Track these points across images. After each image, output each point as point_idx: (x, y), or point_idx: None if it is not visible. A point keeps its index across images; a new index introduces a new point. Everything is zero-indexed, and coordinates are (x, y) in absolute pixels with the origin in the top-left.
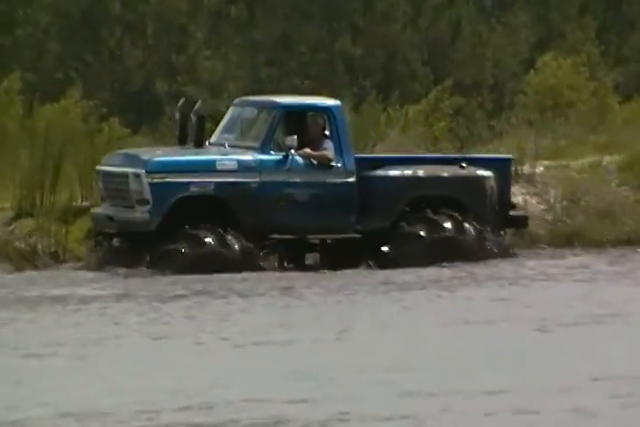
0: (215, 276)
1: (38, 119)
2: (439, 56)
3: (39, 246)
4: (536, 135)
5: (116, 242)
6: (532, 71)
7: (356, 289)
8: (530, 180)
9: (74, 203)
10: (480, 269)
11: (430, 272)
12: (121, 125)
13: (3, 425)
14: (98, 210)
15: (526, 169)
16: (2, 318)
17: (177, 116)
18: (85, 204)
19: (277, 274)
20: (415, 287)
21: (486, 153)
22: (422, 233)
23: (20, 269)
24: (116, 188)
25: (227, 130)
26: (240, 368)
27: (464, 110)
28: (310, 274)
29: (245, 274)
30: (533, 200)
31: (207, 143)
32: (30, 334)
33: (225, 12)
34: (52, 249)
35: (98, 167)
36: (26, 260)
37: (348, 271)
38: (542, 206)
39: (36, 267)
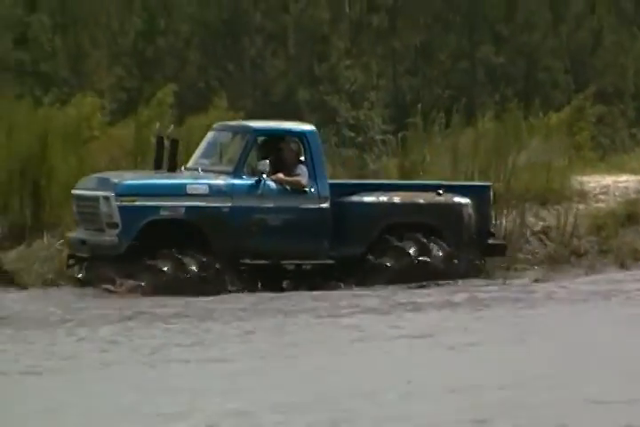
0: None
1: (185, 128)
2: (580, 64)
3: None
4: None
5: (84, 267)
6: None
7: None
8: None
9: None
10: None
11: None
12: None
13: None
14: (72, 234)
15: None
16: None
17: (153, 140)
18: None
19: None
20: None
21: (628, 161)
22: (388, 264)
23: None
24: (87, 211)
25: (203, 154)
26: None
27: (606, 119)
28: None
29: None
30: None
31: (183, 168)
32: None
33: (366, 21)
34: None
35: (72, 191)
36: None
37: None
38: None
39: None
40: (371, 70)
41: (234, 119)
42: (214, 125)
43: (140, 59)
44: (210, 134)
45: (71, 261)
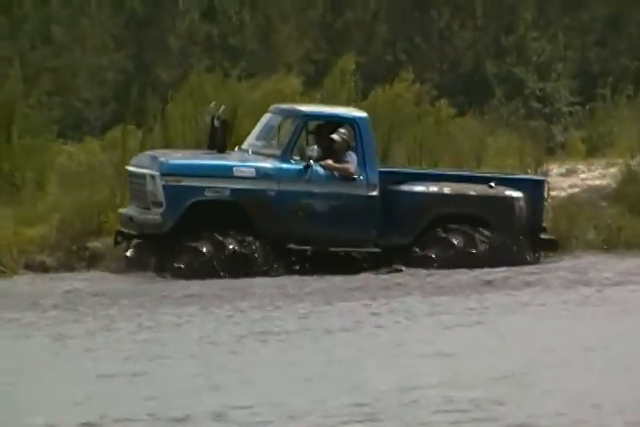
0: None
1: (370, 101)
2: None
3: None
4: None
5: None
6: None
7: None
8: None
9: None
10: None
11: None
12: (450, 107)
13: None
14: (123, 210)
15: None
16: None
17: (207, 119)
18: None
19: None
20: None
21: None
22: (433, 255)
23: None
24: (136, 188)
25: (256, 136)
26: None
27: None
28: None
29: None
30: None
31: (237, 148)
32: None
33: None
34: None
35: (126, 166)
36: None
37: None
38: None
39: None
40: (558, 42)
41: (419, 92)
42: (270, 107)
43: (328, 32)
44: (265, 116)
45: (119, 238)
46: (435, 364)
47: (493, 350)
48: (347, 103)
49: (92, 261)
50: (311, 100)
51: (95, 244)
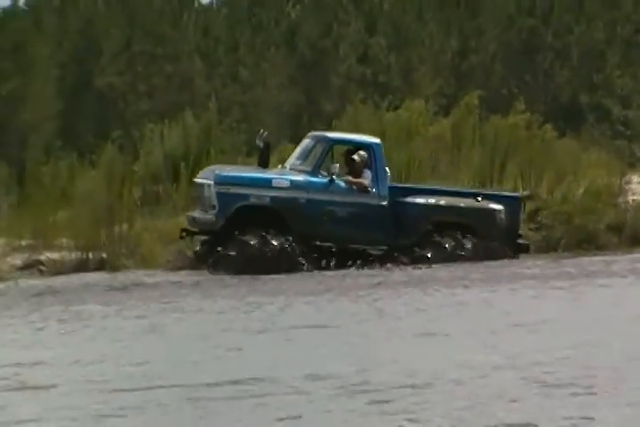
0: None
1: (489, 127)
2: None
3: None
4: None
5: (200, 242)
6: None
7: None
8: None
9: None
10: None
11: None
12: (553, 130)
13: None
14: (189, 213)
15: None
16: None
17: (258, 143)
18: (525, 193)
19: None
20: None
21: None
22: (429, 255)
23: None
24: (200, 195)
25: (296, 156)
26: None
27: None
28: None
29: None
30: None
31: (280, 166)
32: None
33: (634, 40)
34: None
35: (194, 179)
36: None
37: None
38: None
39: None
40: (638, 79)
41: (528, 119)
42: (307, 134)
43: (456, 72)
44: (303, 140)
45: (183, 234)
46: None
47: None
48: (472, 129)
49: None
50: (442, 127)
51: None
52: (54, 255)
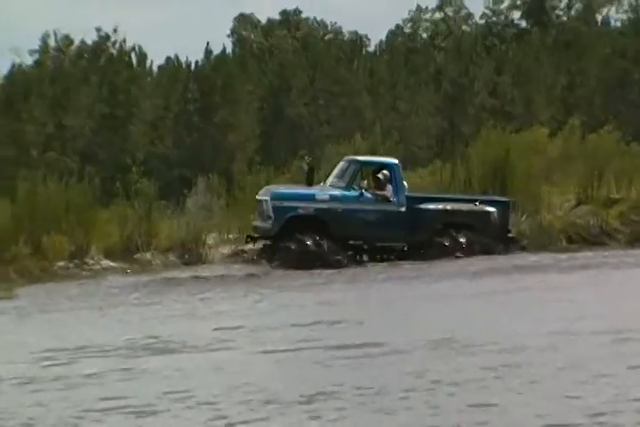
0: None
1: (589, 145)
2: None
3: (590, 222)
4: None
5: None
6: None
7: None
8: None
9: (611, 195)
10: None
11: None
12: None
13: None
14: (253, 222)
15: None
16: None
17: (304, 167)
18: (617, 196)
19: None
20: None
21: None
22: (446, 243)
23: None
24: (261, 209)
25: (334, 175)
26: None
27: None
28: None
29: None
30: None
31: (322, 183)
32: None
33: None
34: (599, 224)
35: (256, 196)
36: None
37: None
38: None
39: None
40: None
41: (619, 137)
42: (343, 158)
43: (565, 102)
44: (340, 163)
45: (248, 239)
46: None
47: None
48: (577, 146)
49: None
50: (554, 145)
51: None
52: (252, 246)
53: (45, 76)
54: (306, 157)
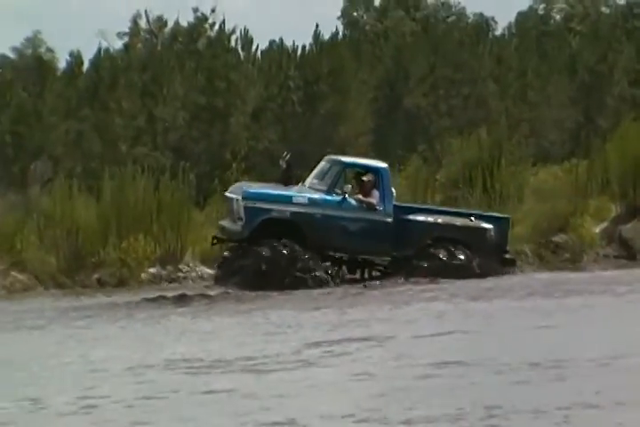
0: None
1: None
2: None
3: None
4: None
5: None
6: None
7: None
8: None
9: None
10: None
11: None
12: None
13: None
14: (221, 222)
15: None
16: None
17: (282, 164)
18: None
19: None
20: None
21: None
22: (425, 264)
23: None
24: (230, 208)
25: (313, 176)
26: None
27: None
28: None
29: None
30: None
31: (300, 184)
32: None
33: None
34: None
35: (225, 193)
36: None
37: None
38: None
39: None
40: None
41: None
42: (324, 157)
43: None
44: (321, 163)
45: (214, 241)
46: None
47: None
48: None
49: (560, 250)
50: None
51: (559, 237)
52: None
53: (135, 62)
54: (284, 153)
